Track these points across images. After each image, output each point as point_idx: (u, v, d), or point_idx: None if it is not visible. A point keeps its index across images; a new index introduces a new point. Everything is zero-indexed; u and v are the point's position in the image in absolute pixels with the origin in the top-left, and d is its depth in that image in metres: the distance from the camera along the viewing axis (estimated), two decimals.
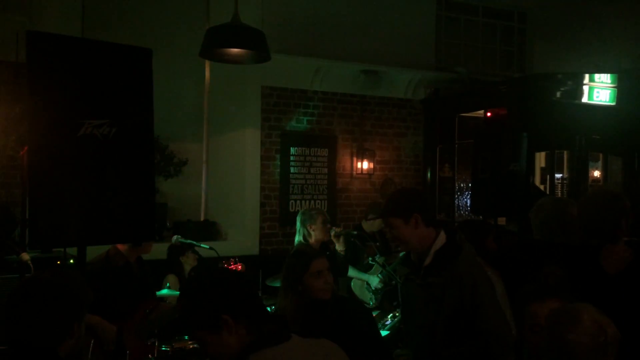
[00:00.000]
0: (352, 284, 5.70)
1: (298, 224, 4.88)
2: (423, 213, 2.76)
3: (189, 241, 4.33)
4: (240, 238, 6.92)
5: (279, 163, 7.12)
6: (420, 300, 2.77)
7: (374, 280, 5.62)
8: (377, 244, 5.88)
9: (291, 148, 7.17)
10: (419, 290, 2.78)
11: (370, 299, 5.53)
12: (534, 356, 2.30)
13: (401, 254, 5.50)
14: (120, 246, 3.56)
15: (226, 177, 7.15)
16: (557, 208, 3.54)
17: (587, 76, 6.79)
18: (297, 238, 4.87)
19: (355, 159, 7.57)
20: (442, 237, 2.75)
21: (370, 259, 5.59)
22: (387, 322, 4.84)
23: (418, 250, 2.79)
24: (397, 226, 2.77)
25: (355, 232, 5.45)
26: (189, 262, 4.87)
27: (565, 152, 8.23)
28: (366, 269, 5.72)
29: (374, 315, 4.07)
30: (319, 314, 2.81)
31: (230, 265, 4.10)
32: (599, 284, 2.81)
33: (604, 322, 1.85)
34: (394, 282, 5.49)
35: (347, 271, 5.26)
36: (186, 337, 4.13)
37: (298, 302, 2.85)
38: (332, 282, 2.97)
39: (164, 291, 4.11)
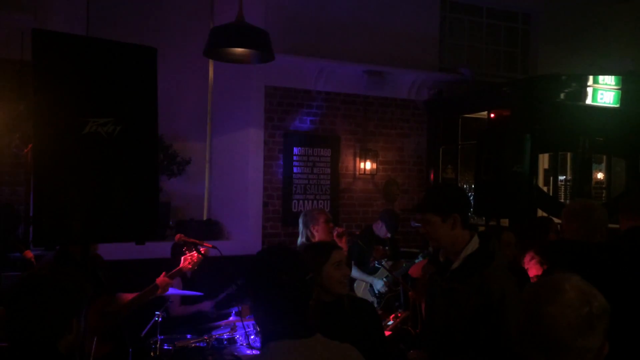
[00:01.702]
0: (355, 285, 5.69)
1: (301, 225, 4.87)
2: (463, 214, 2.60)
3: (192, 240, 4.34)
4: (243, 237, 6.92)
5: (282, 163, 7.12)
6: (441, 302, 2.64)
7: (379, 284, 5.60)
8: (387, 248, 5.86)
9: (294, 148, 7.17)
10: (440, 292, 2.65)
11: (372, 303, 5.52)
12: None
13: (418, 259, 5.50)
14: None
15: (229, 176, 7.16)
16: (602, 213, 3.36)
17: (591, 78, 6.77)
18: (300, 240, 4.86)
19: (358, 159, 7.57)
20: (474, 242, 2.58)
21: (376, 262, 5.57)
22: (389, 322, 4.84)
23: (448, 251, 2.64)
24: (433, 223, 2.60)
25: (357, 234, 5.44)
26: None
27: (568, 154, 8.23)
28: (370, 272, 5.70)
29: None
30: (337, 309, 2.74)
31: (193, 251, 4.18)
32: None
33: (589, 292, 1.60)
34: (399, 287, 5.47)
35: (350, 271, 5.25)
36: (188, 336, 4.16)
37: (317, 296, 2.71)
38: (349, 274, 2.90)
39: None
